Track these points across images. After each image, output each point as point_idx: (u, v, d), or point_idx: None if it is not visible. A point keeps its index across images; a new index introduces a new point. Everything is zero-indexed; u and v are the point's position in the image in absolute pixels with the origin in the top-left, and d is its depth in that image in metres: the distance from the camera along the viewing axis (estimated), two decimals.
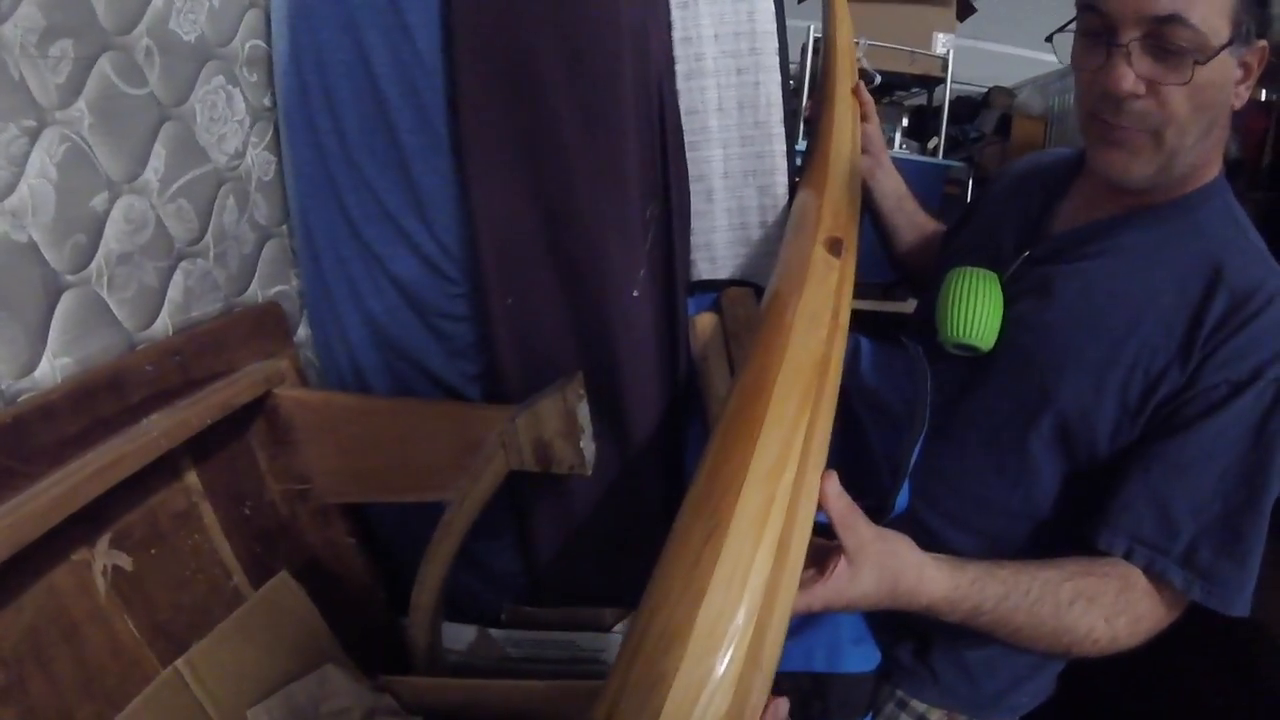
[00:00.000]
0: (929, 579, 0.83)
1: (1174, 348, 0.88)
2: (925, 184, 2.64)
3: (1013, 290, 1.01)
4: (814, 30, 2.68)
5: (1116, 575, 0.87)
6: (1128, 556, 0.88)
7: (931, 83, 2.85)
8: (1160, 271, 0.92)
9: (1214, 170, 0.97)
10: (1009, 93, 3.36)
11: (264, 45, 1.14)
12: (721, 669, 0.55)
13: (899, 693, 1.08)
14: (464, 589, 1.28)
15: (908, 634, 1.06)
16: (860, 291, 2.15)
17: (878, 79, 2.64)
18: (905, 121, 3.07)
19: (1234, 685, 1.32)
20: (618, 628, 1.25)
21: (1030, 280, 1.01)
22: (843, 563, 0.78)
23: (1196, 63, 0.83)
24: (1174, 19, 0.82)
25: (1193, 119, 0.87)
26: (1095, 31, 0.88)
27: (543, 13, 1.06)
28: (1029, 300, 0.99)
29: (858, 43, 2.56)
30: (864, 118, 1.34)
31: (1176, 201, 0.96)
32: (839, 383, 0.85)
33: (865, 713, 1.04)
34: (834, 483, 0.77)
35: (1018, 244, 1.06)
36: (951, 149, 2.92)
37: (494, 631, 1.27)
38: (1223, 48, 0.83)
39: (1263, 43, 0.87)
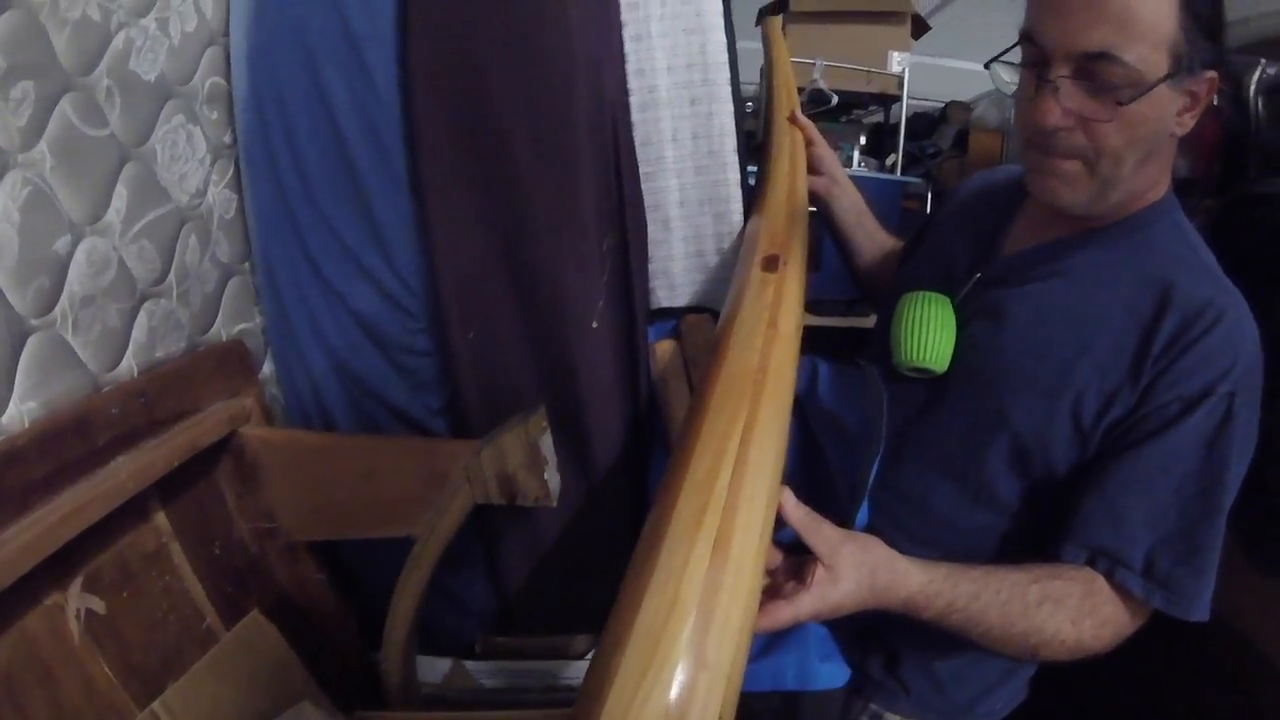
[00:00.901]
0: (904, 571, 0.86)
1: (1125, 368, 0.91)
2: (884, 200, 2.67)
3: (965, 313, 1.04)
4: None
5: (1081, 580, 0.90)
6: (1090, 566, 0.90)
7: (888, 100, 2.89)
8: (1109, 293, 0.95)
9: (1161, 190, 0.99)
10: (966, 107, 3.43)
11: (224, 82, 1.15)
12: (661, 668, 0.56)
13: (872, 706, 1.10)
14: (437, 621, 1.29)
15: (878, 647, 1.08)
16: (824, 308, 2.20)
17: (834, 99, 2.72)
18: (863, 139, 3.12)
19: (1206, 688, 1.35)
20: (591, 654, 1.26)
21: (982, 303, 1.04)
22: (820, 569, 0.81)
23: (1121, 102, 0.85)
24: (1105, 56, 0.84)
25: (1127, 150, 0.90)
26: (1031, 62, 0.91)
27: (497, 50, 1.09)
28: (981, 323, 1.02)
29: (814, 64, 2.64)
30: (809, 142, 1.38)
31: (1124, 222, 0.98)
32: (790, 387, 0.87)
33: None
34: (790, 496, 0.81)
35: (969, 266, 1.09)
36: (910, 165, 2.98)
37: (469, 663, 1.29)
38: (1159, 82, 0.85)
39: (1211, 73, 0.89)
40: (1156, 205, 0.99)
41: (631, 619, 0.59)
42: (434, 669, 1.29)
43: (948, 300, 1.05)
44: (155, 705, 0.89)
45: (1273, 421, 0.94)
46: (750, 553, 0.67)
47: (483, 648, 1.31)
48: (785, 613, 0.79)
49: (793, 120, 1.39)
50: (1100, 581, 0.90)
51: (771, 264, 1.04)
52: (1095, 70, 0.86)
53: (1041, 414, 0.95)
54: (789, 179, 1.23)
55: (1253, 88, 1.25)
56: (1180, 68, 0.86)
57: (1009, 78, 0.96)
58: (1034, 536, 0.98)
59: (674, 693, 0.56)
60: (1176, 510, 0.89)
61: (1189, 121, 0.93)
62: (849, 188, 1.43)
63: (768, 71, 1.58)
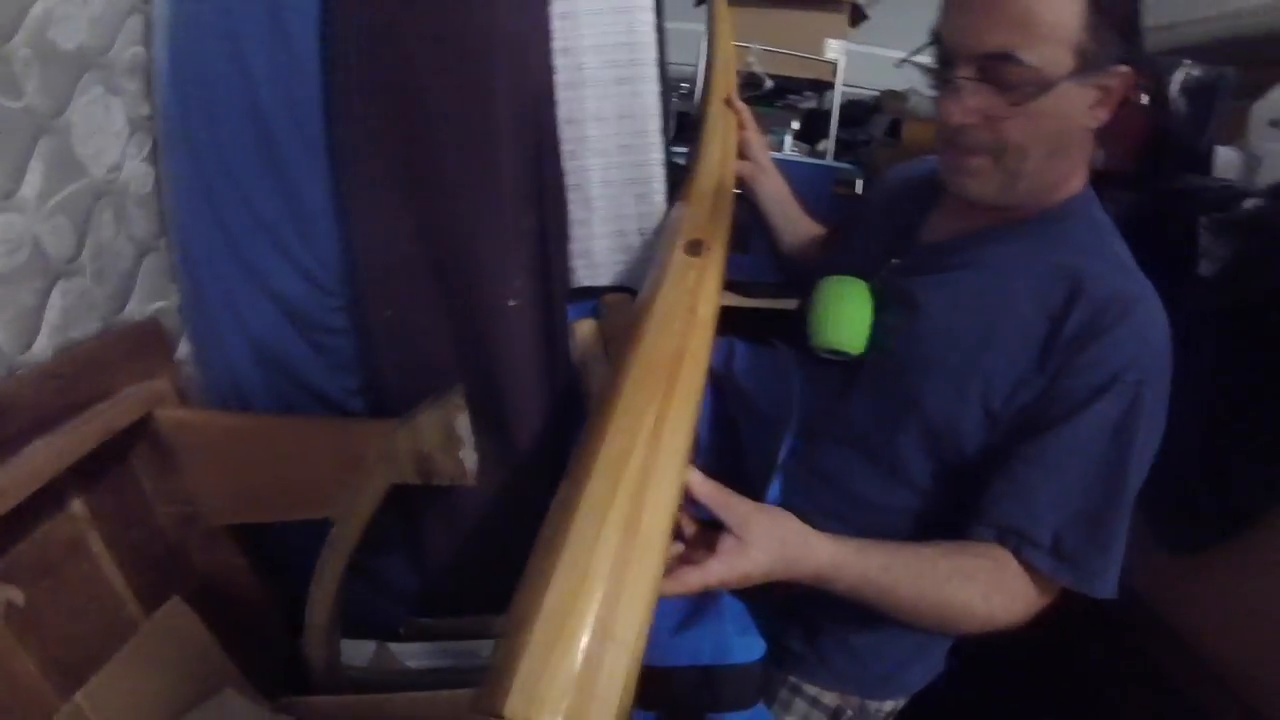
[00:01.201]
0: (815, 543, 0.88)
1: (1033, 356, 0.94)
2: (815, 186, 2.69)
3: (882, 299, 1.06)
4: (708, 36, 2.76)
5: (991, 556, 0.93)
6: (999, 544, 0.93)
7: (823, 87, 2.94)
8: (1021, 283, 0.97)
9: (1077, 184, 1.03)
10: (900, 96, 3.48)
11: (145, 52, 1.13)
12: (566, 644, 0.58)
13: (792, 679, 1.13)
14: (360, 604, 1.29)
15: (797, 621, 1.11)
16: (753, 290, 2.23)
17: (769, 84, 2.73)
18: (796, 125, 3.15)
19: (1119, 661, 1.42)
20: None
21: (898, 289, 1.06)
22: (730, 539, 0.83)
23: (1019, 102, 0.89)
24: (1005, 57, 0.87)
25: (1032, 144, 0.93)
26: (939, 62, 0.94)
27: (419, 24, 1.09)
28: (896, 309, 1.04)
29: (750, 48, 2.66)
30: (741, 126, 1.41)
31: (1039, 215, 1.01)
32: (703, 372, 0.90)
33: (755, 701, 1.07)
34: (697, 474, 0.83)
35: (887, 253, 1.11)
36: (842, 152, 3.02)
37: (393, 645, 1.29)
38: (1063, 79, 0.88)
39: (1124, 68, 0.92)
40: (1073, 199, 1.02)
41: (540, 595, 0.61)
42: (359, 652, 1.29)
43: (865, 285, 1.08)
44: (78, 697, 0.89)
45: (1179, 408, 0.97)
46: (659, 533, 0.70)
47: (407, 630, 1.31)
48: (693, 577, 0.80)
49: (729, 103, 1.41)
50: (1008, 558, 0.93)
51: (695, 248, 1.06)
52: (997, 70, 0.89)
53: (951, 398, 0.98)
54: (719, 165, 1.25)
55: (1175, 87, 1.31)
56: (1087, 65, 0.89)
57: (924, 75, 0.99)
58: (949, 514, 1.01)
59: (581, 666, 0.58)
60: (1082, 492, 0.92)
61: (1102, 115, 0.95)
62: (774, 174, 1.46)
63: (709, 53, 1.59)
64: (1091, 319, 0.92)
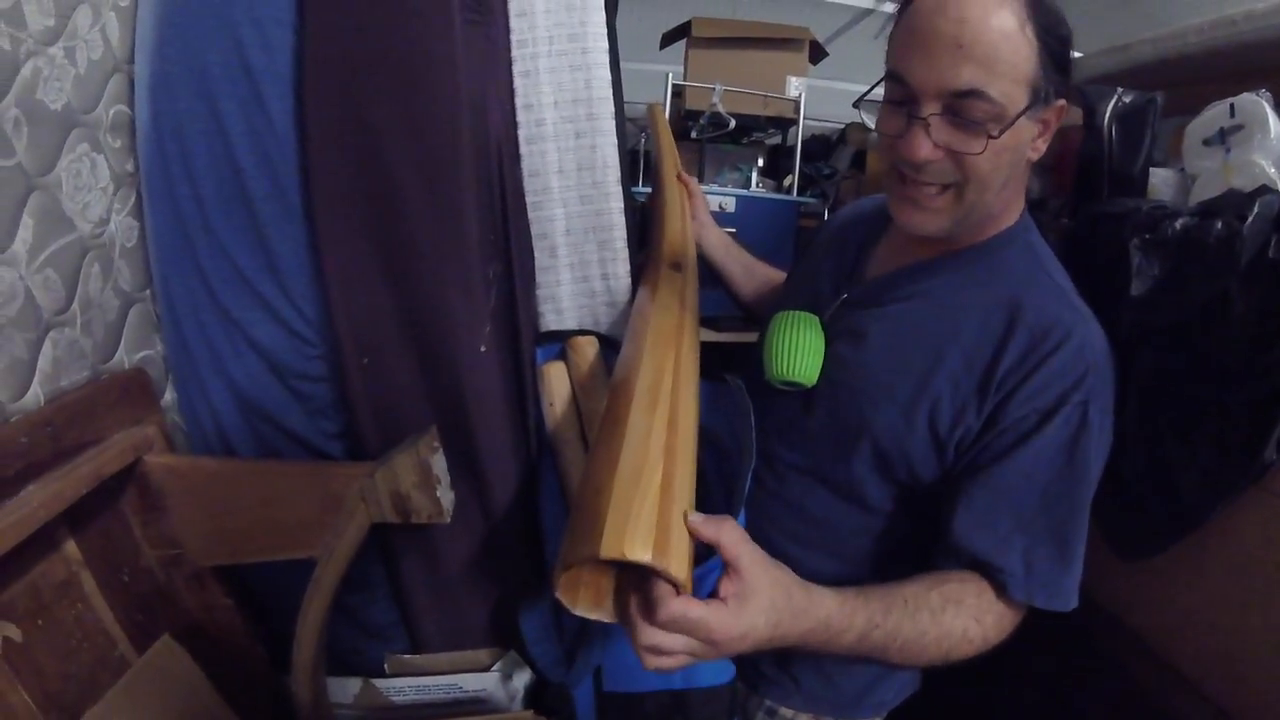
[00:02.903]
0: (818, 592, 0.89)
1: (975, 382, 0.99)
2: (781, 220, 2.78)
3: (832, 331, 1.13)
4: (672, 77, 2.87)
5: (971, 580, 0.98)
6: (971, 569, 0.98)
7: (786, 124, 3.04)
8: (964, 312, 1.03)
9: (1015, 214, 1.08)
10: (864, 129, 3.59)
11: (128, 110, 1.18)
12: (642, 499, 0.77)
13: (767, 702, 1.18)
14: (345, 643, 1.33)
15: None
16: (722, 324, 2.34)
17: (732, 123, 2.85)
18: (761, 161, 3.26)
19: (1079, 661, 1.46)
20: (497, 666, 1.32)
21: (847, 322, 1.12)
22: (735, 582, 0.81)
23: (992, 135, 0.93)
24: (973, 94, 0.92)
25: (992, 176, 0.98)
26: (900, 100, 0.98)
27: (385, 86, 1.15)
28: (846, 341, 1.10)
29: (714, 88, 2.78)
30: (690, 194, 1.56)
31: (979, 246, 1.07)
32: (696, 336, 1.14)
33: None
34: (697, 515, 0.80)
35: (835, 288, 1.18)
36: (807, 185, 3.12)
37: (378, 682, 1.33)
38: (1021, 114, 0.94)
39: (1061, 101, 0.99)
40: (1010, 230, 1.08)
41: (613, 468, 0.81)
42: (345, 690, 1.33)
43: (816, 319, 1.14)
44: None
45: (1123, 419, 1.03)
46: (689, 429, 0.93)
47: (391, 666, 1.35)
48: (695, 610, 0.77)
49: (679, 179, 1.58)
50: (985, 582, 0.98)
51: (677, 266, 1.24)
52: (964, 107, 0.93)
53: (900, 424, 1.03)
54: (680, 215, 1.45)
55: (1107, 115, 1.39)
56: (1038, 99, 0.95)
57: (870, 113, 1.04)
58: (908, 536, 1.06)
59: (656, 514, 0.77)
60: (1044, 514, 0.97)
61: (1042, 146, 1.02)
62: (714, 228, 1.63)
63: (653, 139, 1.77)
64: (1031, 347, 0.97)
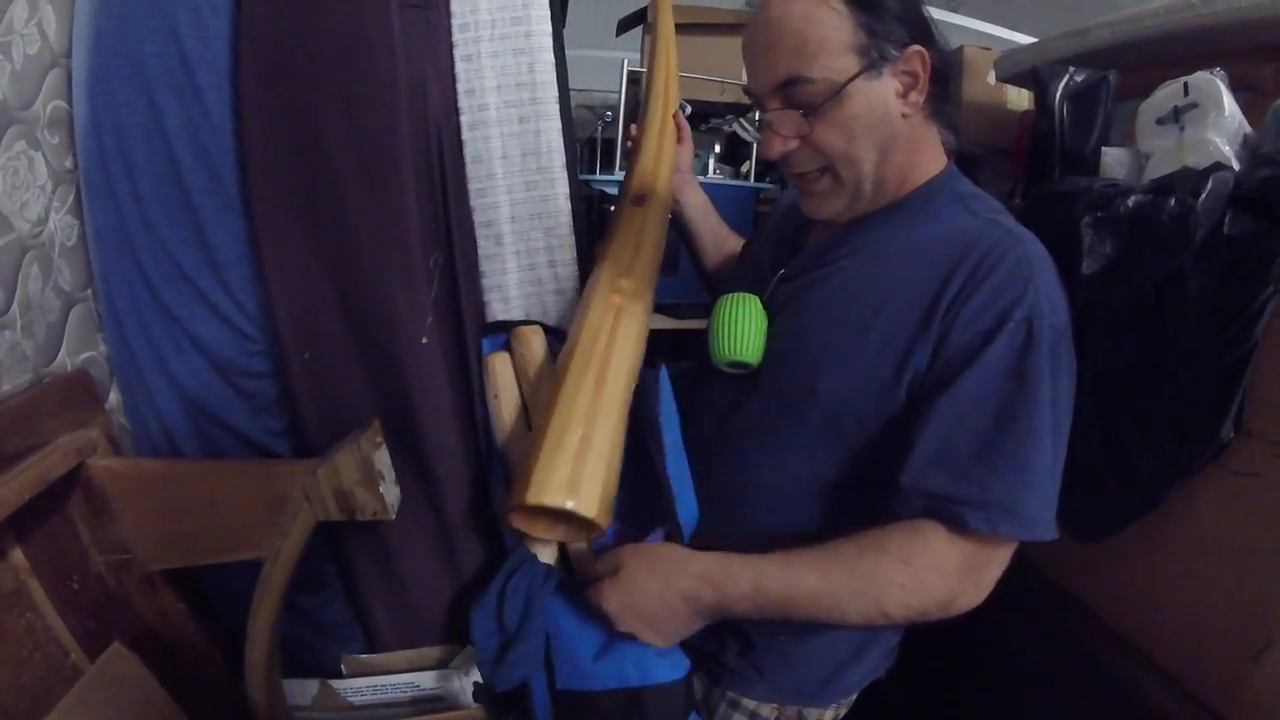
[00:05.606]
0: (734, 559, 0.99)
1: (917, 320, 1.02)
2: (739, 206, 2.83)
3: (773, 307, 1.17)
4: (628, 63, 2.87)
5: (902, 525, 1.00)
6: (927, 514, 0.99)
7: (744, 110, 3.07)
8: (897, 259, 1.07)
9: (933, 167, 1.14)
10: None
11: (65, 105, 1.19)
12: (564, 455, 1.04)
13: (730, 694, 1.21)
14: (301, 644, 1.34)
15: (732, 636, 1.19)
16: (681, 312, 2.37)
17: (688, 109, 2.89)
18: (718, 148, 3.29)
19: (1039, 640, 1.50)
20: (454, 662, 1.34)
21: (785, 296, 1.17)
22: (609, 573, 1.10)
23: (824, 107, 1.02)
24: (792, 80, 1.02)
25: (857, 147, 1.05)
26: (755, 109, 1.07)
27: (321, 72, 1.17)
28: (786, 314, 1.15)
29: None
30: (679, 140, 1.57)
31: (902, 200, 1.12)
32: (650, 278, 1.33)
33: (685, 717, 1.15)
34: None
35: (774, 267, 1.23)
36: (765, 171, 3.16)
37: (335, 683, 1.34)
38: (852, 79, 1.01)
39: (916, 48, 1.04)
40: (934, 180, 1.13)
41: (545, 427, 1.08)
42: (304, 691, 1.34)
43: (756, 299, 1.18)
44: None
45: (1078, 398, 1.05)
46: (620, 387, 1.14)
47: (348, 666, 1.37)
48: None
49: (674, 117, 1.59)
50: (924, 522, 0.99)
51: (640, 200, 1.35)
52: (791, 95, 1.04)
53: (846, 380, 1.06)
54: (655, 153, 1.49)
55: (1059, 94, 1.44)
56: (872, 60, 1.02)
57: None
58: (866, 503, 1.08)
59: (573, 462, 1.04)
60: (999, 436, 0.98)
61: (917, 98, 1.07)
62: (696, 186, 1.63)
63: (651, 66, 1.70)
64: (973, 272, 1.01)
